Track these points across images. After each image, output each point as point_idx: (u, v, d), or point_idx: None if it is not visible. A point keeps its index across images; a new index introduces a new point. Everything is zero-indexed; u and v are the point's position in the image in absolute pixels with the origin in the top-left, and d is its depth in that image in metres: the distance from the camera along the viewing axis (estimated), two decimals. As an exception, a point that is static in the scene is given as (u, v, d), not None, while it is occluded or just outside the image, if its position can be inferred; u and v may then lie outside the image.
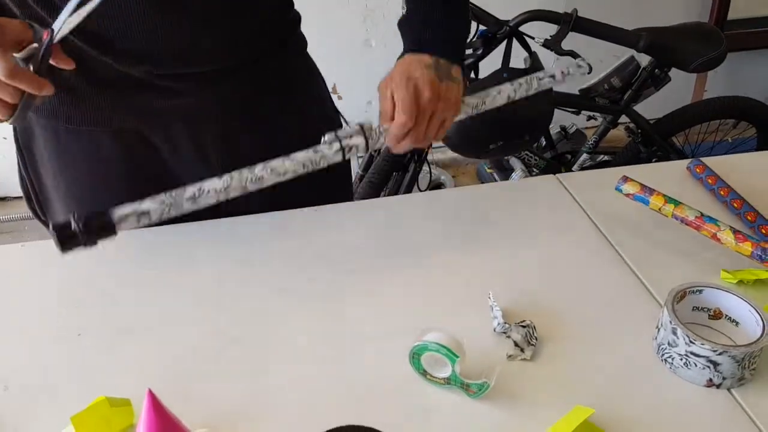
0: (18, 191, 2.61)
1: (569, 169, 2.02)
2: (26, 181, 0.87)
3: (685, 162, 0.94)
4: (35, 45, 0.64)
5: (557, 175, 0.95)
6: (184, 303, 0.72)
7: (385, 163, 1.79)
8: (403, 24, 0.75)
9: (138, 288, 0.74)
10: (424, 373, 0.61)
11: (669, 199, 0.78)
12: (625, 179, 0.81)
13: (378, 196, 1.78)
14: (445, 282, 0.74)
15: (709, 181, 0.88)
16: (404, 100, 0.67)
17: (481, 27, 1.58)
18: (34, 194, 0.88)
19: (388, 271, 0.76)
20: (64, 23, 0.63)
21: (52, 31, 0.63)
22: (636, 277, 0.75)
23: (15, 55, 0.63)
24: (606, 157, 2.04)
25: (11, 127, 0.80)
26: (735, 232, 0.73)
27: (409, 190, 1.90)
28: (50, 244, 0.83)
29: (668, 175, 0.93)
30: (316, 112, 0.92)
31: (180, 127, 0.80)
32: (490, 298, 0.69)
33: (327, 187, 0.93)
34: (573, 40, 1.61)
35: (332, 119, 0.96)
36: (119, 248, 0.80)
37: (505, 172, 2.37)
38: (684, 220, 0.76)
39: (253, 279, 0.75)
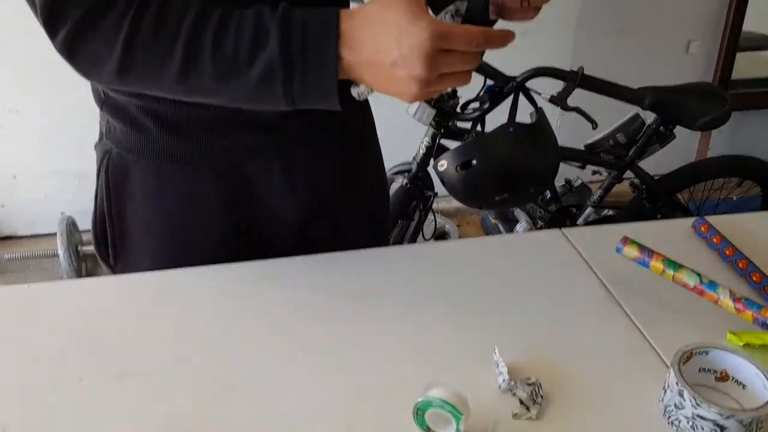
0: (26, 230, 2.62)
1: (574, 223, 2.03)
2: (105, 224, 0.86)
3: (690, 220, 0.94)
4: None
5: (563, 229, 0.95)
6: (185, 349, 0.71)
7: (390, 211, 1.80)
8: None
9: (142, 333, 0.74)
10: (427, 430, 0.60)
11: (668, 265, 0.78)
12: (625, 242, 0.81)
13: (383, 244, 1.78)
14: (449, 335, 0.74)
15: (714, 240, 0.88)
16: None
17: (489, 82, 1.61)
18: (112, 237, 0.87)
19: (392, 323, 0.76)
20: None
21: None
22: (642, 335, 0.74)
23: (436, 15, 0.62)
24: (611, 212, 2.05)
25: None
26: (735, 300, 0.73)
27: (414, 239, 1.91)
28: (56, 285, 0.84)
29: (673, 233, 0.93)
30: (376, 141, 0.99)
31: (273, 158, 0.82)
32: (495, 353, 0.69)
33: (365, 229, 0.97)
34: (579, 96, 1.64)
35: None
36: (124, 292, 0.80)
37: (510, 223, 2.38)
38: (685, 286, 0.76)
39: (254, 327, 0.75)
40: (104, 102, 0.81)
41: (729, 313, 0.76)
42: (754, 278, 0.82)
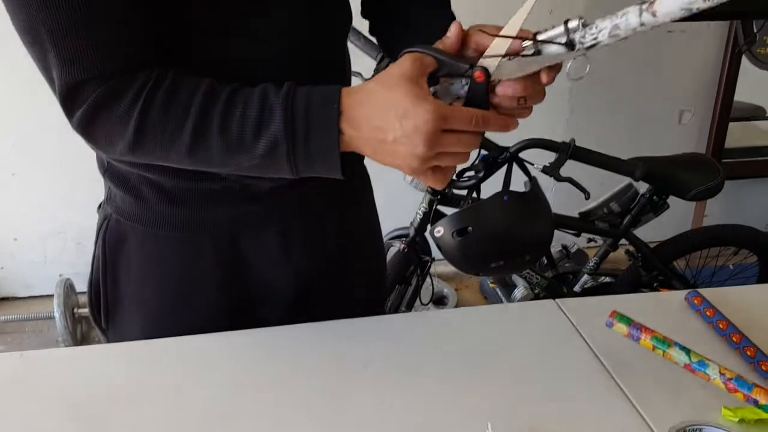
0: (24, 292, 2.61)
1: (571, 289, 2.03)
2: (99, 289, 0.87)
3: (684, 292, 0.95)
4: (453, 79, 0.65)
5: (557, 300, 0.95)
6: (179, 420, 0.71)
7: (387, 276, 1.81)
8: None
9: (134, 403, 0.73)
10: None
11: (658, 342, 0.78)
12: (613, 321, 0.81)
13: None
14: (442, 409, 0.73)
15: (708, 313, 0.88)
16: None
17: (483, 151, 1.65)
18: (105, 303, 0.88)
19: (384, 395, 0.75)
20: (498, 67, 0.63)
21: (487, 72, 0.63)
22: (636, 410, 0.74)
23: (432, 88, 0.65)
24: (608, 279, 2.05)
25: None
26: (726, 381, 0.73)
27: (411, 303, 1.90)
28: (49, 353, 0.84)
29: (666, 305, 0.93)
30: (373, 202, 1.01)
31: (269, 227, 0.83)
32: (488, 429, 0.68)
33: (361, 297, 0.97)
34: (574, 165, 1.67)
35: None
36: (117, 360, 0.80)
37: (508, 288, 2.38)
38: (676, 364, 0.77)
39: (248, 396, 0.74)
40: (106, 170, 0.84)
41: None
42: (748, 353, 0.81)
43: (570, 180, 1.59)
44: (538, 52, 0.63)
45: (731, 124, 2.61)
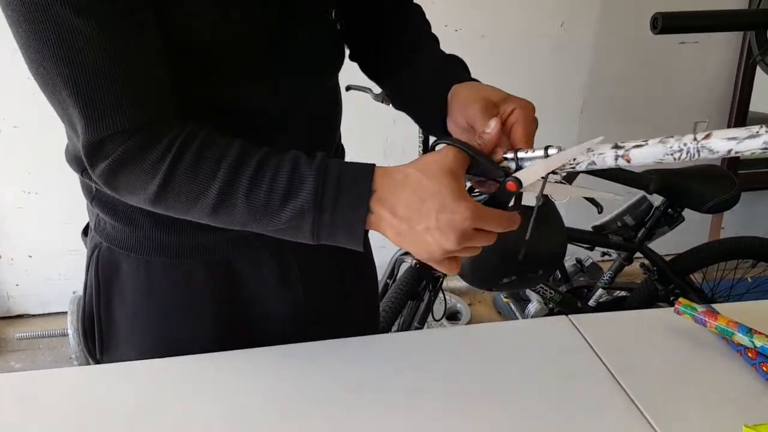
0: (38, 309, 2.62)
1: (586, 303, 2.01)
2: (93, 318, 0.86)
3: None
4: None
5: (570, 316, 0.94)
6: (183, 441, 0.70)
7: (399, 291, 1.80)
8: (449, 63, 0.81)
9: (146, 423, 0.73)
10: None
11: (722, 331, 0.84)
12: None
13: (392, 324, 1.77)
14: (449, 430, 0.72)
15: (724, 329, 0.87)
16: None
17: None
18: (99, 333, 0.87)
19: (389, 414, 0.74)
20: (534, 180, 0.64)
21: (520, 183, 0.64)
22: (653, 430, 0.72)
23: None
24: (623, 293, 2.03)
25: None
26: None
27: (424, 319, 1.89)
28: (59, 372, 0.84)
29: (679, 321, 0.92)
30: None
31: (265, 251, 0.83)
32: (497, 448, 0.67)
33: (354, 316, 0.96)
34: (586, 180, 1.66)
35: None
36: (129, 380, 0.80)
37: (522, 303, 2.36)
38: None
39: (249, 415, 0.74)
40: (94, 197, 0.82)
41: (744, 406, 0.74)
42: (764, 368, 0.80)
43: (583, 193, 1.57)
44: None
45: (747, 135, 2.57)
